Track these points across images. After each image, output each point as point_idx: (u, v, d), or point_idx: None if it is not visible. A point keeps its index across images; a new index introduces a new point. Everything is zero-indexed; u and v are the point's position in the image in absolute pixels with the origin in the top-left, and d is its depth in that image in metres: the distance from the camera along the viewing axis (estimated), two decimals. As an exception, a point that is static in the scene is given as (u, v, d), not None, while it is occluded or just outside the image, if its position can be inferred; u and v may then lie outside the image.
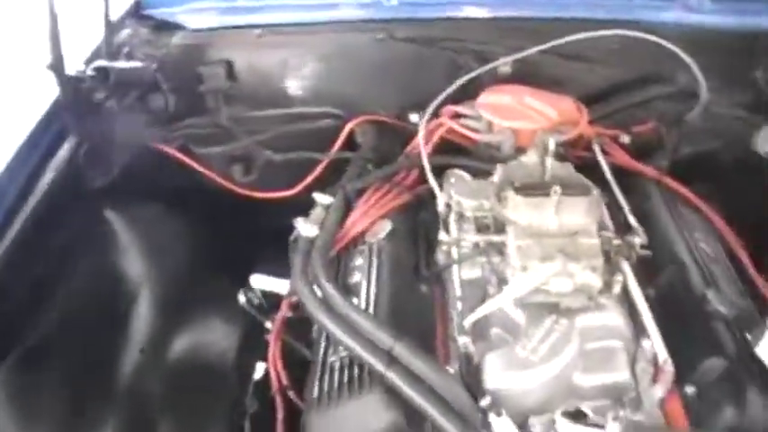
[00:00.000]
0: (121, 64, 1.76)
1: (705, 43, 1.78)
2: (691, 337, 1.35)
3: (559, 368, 1.29)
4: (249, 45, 1.87)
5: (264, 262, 1.83)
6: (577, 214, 1.38)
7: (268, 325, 1.64)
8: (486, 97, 1.75)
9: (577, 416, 1.26)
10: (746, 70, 1.84)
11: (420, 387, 1.22)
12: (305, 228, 1.56)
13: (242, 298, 1.72)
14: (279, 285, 1.77)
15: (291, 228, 1.66)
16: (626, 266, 1.41)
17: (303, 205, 1.64)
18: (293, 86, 1.90)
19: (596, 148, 1.73)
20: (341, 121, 1.89)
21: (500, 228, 1.45)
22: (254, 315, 1.70)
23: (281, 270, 1.80)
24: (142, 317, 1.68)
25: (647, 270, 1.46)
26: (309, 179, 1.86)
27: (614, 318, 1.37)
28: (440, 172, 1.66)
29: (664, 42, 1.73)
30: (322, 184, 1.74)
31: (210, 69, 1.88)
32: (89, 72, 1.64)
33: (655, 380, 1.32)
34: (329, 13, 1.85)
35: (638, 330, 1.37)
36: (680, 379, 1.30)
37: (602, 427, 1.21)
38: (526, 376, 1.28)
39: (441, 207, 1.52)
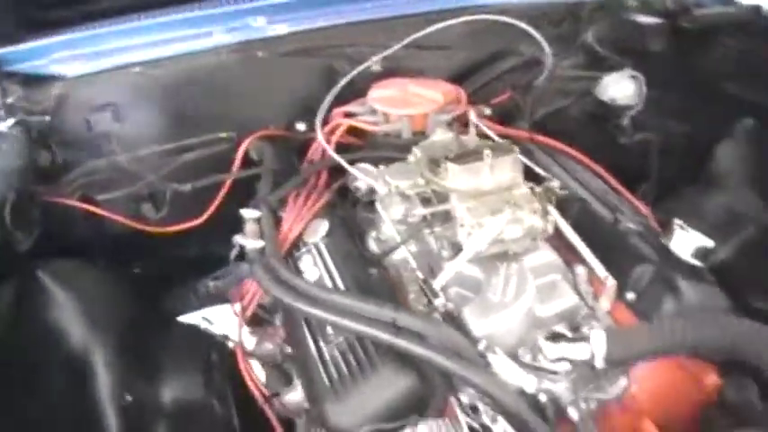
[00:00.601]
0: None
1: (543, 17, 2.05)
2: (616, 255, 1.58)
3: (527, 305, 1.47)
4: (131, 84, 1.87)
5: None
6: (507, 171, 1.56)
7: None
8: (376, 92, 1.89)
9: (556, 337, 1.44)
10: (577, 35, 2.14)
11: (428, 345, 1.33)
12: (249, 242, 1.61)
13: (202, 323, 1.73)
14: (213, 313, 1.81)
15: (210, 254, 1.71)
16: (551, 208, 1.62)
17: (217, 230, 1.70)
18: (183, 116, 1.92)
19: (475, 121, 1.93)
20: (234, 143, 1.93)
21: (441, 199, 1.59)
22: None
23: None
24: (101, 373, 1.64)
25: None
26: (216, 202, 1.89)
27: (550, 254, 1.57)
28: (341, 171, 1.79)
29: (509, 20, 1.97)
30: (231, 205, 1.79)
31: (96, 114, 1.86)
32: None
33: (598, 296, 1.53)
34: (204, 41, 1.90)
35: (571, 260, 1.58)
36: (618, 291, 1.53)
37: (582, 339, 1.39)
38: (504, 317, 1.44)
39: (382, 191, 1.63)
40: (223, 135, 1.95)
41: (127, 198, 1.89)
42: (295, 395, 1.59)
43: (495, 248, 1.51)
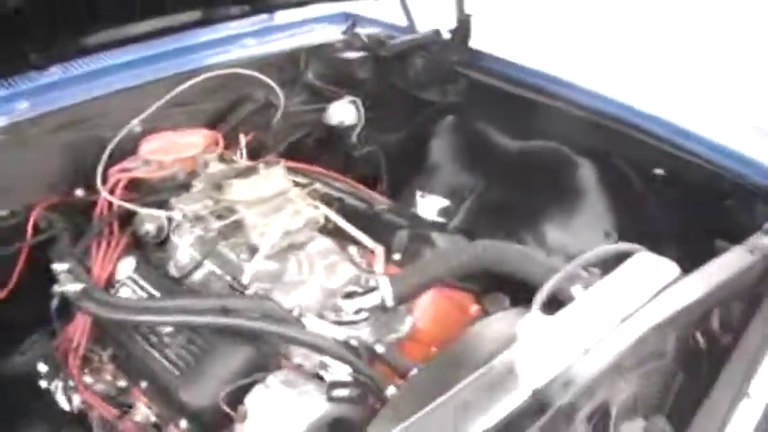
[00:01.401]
0: None
1: (268, 66, 2.44)
2: (378, 230, 1.97)
3: (319, 281, 1.81)
4: None
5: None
6: (279, 178, 1.91)
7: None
8: (145, 146, 2.14)
9: (350, 295, 1.79)
10: (299, 77, 2.57)
11: (257, 318, 1.63)
12: (70, 286, 1.79)
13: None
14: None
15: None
16: (319, 203, 1.99)
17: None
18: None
19: (243, 146, 2.23)
20: (22, 217, 2.07)
21: (229, 214, 1.89)
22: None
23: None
24: None
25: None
26: (15, 274, 2.02)
27: (326, 241, 1.93)
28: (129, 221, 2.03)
29: (243, 71, 2.34)
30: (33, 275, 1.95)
31: None
32: None
33: (372, 264, 1.92)
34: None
35: (343, 245, 1.96)
36: (387, 255, 1.93)
37: (371, 290, 1.75)
38: (304, 291, 1.77)
39: (177, 217, 1.89)
40: (3, 213, 2.06)
41: None
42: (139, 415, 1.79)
43: (284, 242, 1.84)
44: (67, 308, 1.89)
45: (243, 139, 2.10)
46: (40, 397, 1.95)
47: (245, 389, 1.59)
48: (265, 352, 1.68)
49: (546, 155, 2.37)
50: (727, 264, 1.63)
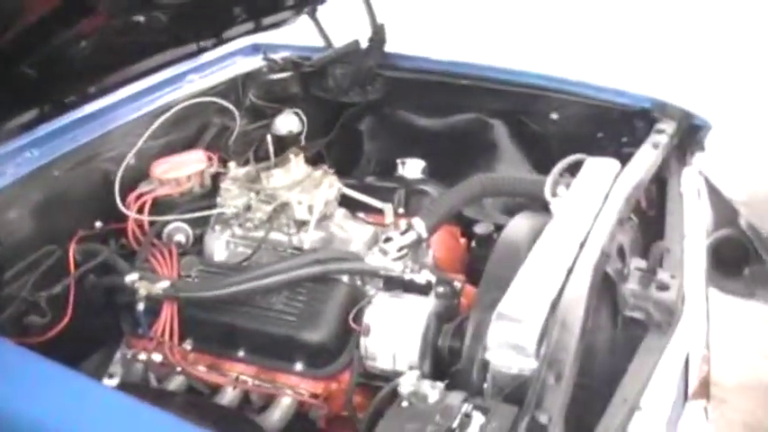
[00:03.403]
0: None
1: (218, 93, 2.81)
2: (382, 194, 2.47)
3: (360, 234, 2.28)
4: None
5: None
6: (301, 167, 2.34)
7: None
8: (157, 169, 2.44)
9: (388, 240, 2.25)
10: (241, 100, 2.96)
11: (344, 261, 2.07)
12: (159, 284, 2.07)
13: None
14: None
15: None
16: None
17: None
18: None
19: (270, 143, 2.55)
20: (62, 252, 2.27)
21: (271, 199, 2.27)
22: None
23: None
24: None
25: None
26: (70, 306, 2.21)
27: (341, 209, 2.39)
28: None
29: (205, 99, 2.71)
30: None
31: None
32: None
33: (382, 222, 2.40)
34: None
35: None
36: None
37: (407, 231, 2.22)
38: (356, 243, 2.23)
39: (230, 211, 2.25)
40: (48, 249, 2.25)
41: (9, 316, 2.09)
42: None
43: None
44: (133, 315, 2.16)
45: (270, 138, 2.47)
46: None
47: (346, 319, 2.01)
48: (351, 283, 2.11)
49: (466, 124, 2.98)
50: (643, 157, 2.32)
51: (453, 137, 3.00)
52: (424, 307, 1.96)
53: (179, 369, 2.11)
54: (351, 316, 1.98)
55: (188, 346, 2.15)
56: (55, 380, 1.61)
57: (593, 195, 2.01)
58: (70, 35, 2.07)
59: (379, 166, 3.09)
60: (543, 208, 2.14)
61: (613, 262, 1.83)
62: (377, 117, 3.15)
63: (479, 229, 2.48)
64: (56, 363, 1.63)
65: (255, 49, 3.15)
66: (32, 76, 2.04)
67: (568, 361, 1.51)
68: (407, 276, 2.03)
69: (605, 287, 1.80)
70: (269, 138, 2.45)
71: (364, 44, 3.03)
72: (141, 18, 2.29)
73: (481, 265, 2.00)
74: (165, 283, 2.07)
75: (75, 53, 2.13)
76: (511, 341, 1.53)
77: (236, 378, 2.09)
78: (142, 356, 2.16)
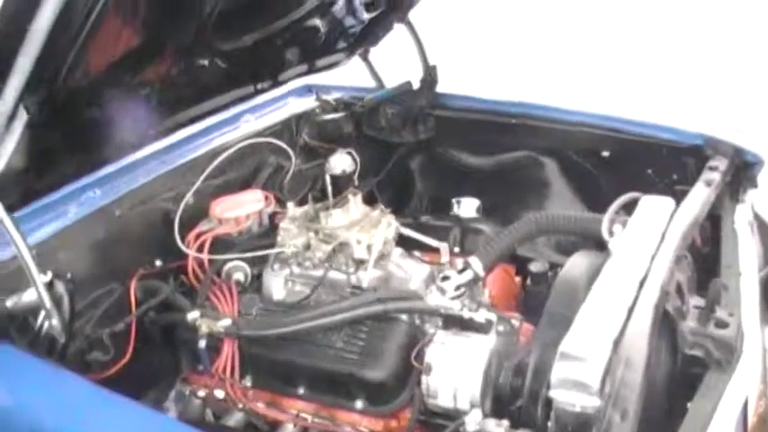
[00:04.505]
0: None
1: (274, 134, 2.89)
2: (433, 233, 2.51)
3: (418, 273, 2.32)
4: None
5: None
6: (359, 207, 2.39)
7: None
8: (217, 208, 2.50)
9: (445, 279, 2.28)
10: (295, 140, 3.04)
11: (403, 300, 2.10)
12: (221, 323, 2.12)
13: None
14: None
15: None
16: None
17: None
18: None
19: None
20: (123, 289, 2.34)
21: (330, 239, 2.32)
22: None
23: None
24: None
25: None
26: (131, 343, 2.26)
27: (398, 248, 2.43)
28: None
29: (261, 140, 2.79)
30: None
31: None
32: None
33: (437, 260, 2.44)
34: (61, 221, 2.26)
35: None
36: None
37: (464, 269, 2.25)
38: (414, 282, 2.27)
39: (290, 250, 2.30)
40: (111, 287, 2.32)
41: (73, 353, 2.15)
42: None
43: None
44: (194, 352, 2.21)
45: (328, 179, 2.53)
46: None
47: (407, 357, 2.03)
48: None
49: (516, 162, 3.02)
50: (697, 195, 2.33)
51: (503, 175, 3.05)
52: (486, 345, 1.98)
53: (240, 405, 2.15)
54: (413, 354, 2.01)
55: (248, 382, 2.20)
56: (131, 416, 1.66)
57: (650, 234, 2.02)
58: (137, 79, 2.16)
59: (431, 204, 3.15)
60: (597, 246, 2.16)
61: (672, 300, 1.85)
62: (428, 156, 3.21)
63: (534, 267, 2.50)
64: (130, 400, 1.69)
65: (308, 89, 3.24)
66: (98, 118, 2.13)
67: (633, 399, 1.52)
68: (467, 315, 2.05)
69: (664, 325, 1.81)
70: (327, 178, 2.50)
71: (416, 85, 3.09)
72: (204, 62, 2.38)
73: (536, 303, 2.03)
74: (226, 321, 2.13)
75: (141, 96, 2.22)
76: (575, 379, 1.54)
77: (296, 415, 2.13)
78: (201, 393, 2.22)
